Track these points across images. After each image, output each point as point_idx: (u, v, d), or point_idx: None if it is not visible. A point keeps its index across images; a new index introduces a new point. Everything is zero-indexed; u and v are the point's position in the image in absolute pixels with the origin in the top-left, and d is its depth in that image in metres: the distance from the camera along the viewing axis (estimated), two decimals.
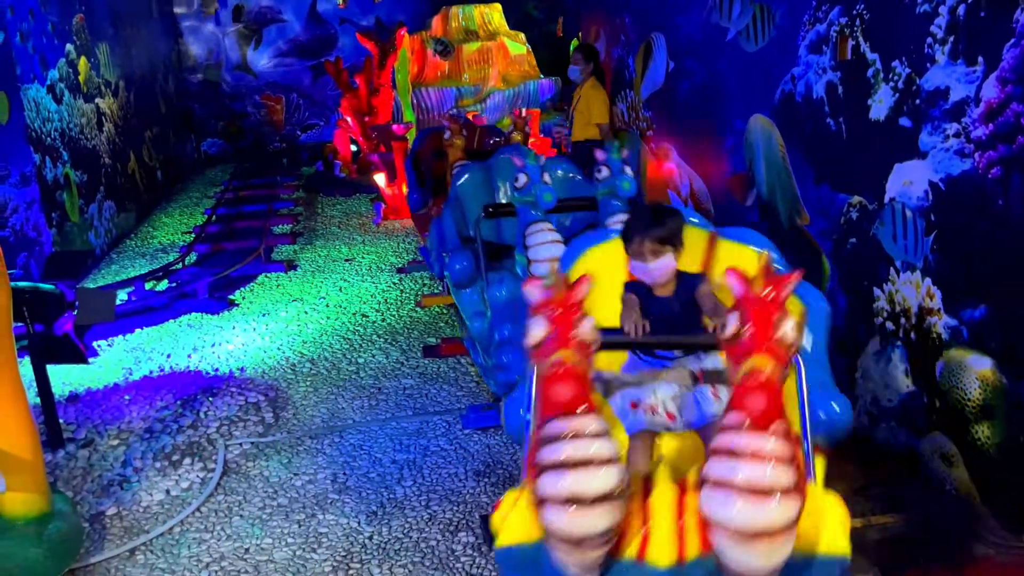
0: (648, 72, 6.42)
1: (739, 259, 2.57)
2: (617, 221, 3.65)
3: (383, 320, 5.63)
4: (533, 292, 1.97)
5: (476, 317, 4.21)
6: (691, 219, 2.71)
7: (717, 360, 2.38)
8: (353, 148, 10.47)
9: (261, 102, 13.06)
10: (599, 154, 4.16)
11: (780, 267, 2.59)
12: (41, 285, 4.20)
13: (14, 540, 2.96)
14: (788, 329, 1.83)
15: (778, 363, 1.82)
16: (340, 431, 4.16)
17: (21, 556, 2.92)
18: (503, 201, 4.47)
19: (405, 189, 8.20)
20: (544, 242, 3.85)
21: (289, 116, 13.24)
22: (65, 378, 4.79)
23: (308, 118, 13.25)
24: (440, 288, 5.76)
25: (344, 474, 3.76)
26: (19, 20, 6.55)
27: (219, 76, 12.78)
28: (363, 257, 7.14)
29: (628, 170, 4.13)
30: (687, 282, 2.46)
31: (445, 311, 5.58)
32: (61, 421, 4.22)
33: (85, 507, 3.56)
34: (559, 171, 4.50)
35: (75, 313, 4.17)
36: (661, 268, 2.40)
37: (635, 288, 2.46)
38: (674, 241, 2.41)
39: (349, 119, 10.20)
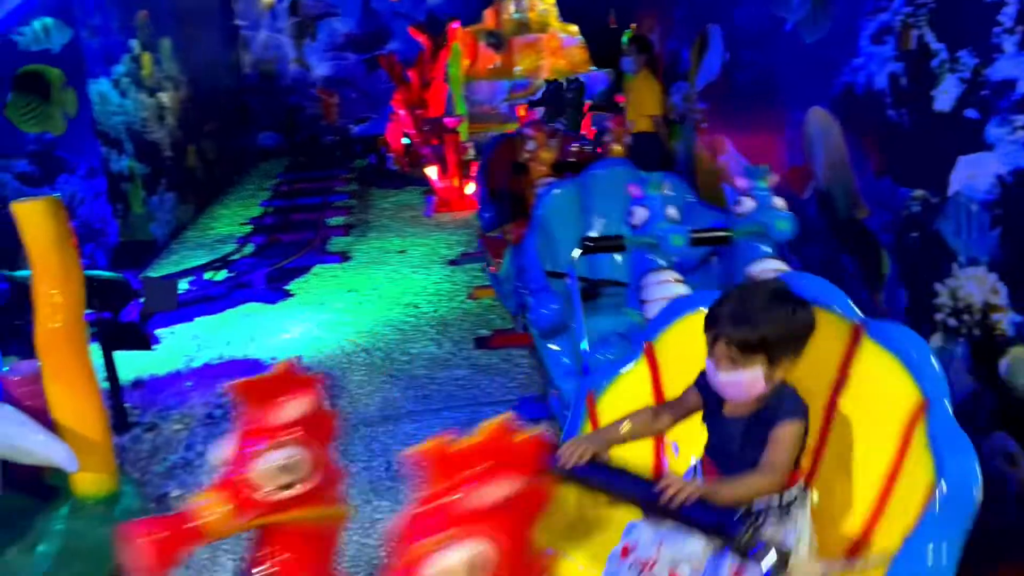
0: (703, 63, 6.37)
1: (876, 377, 1.83)
2: (766, 270, 2.96)
3: (435, 311, 5.69)
4: None
5: (567, 377, 3.29)
6: (833, 307, 1.95)
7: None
8: (405, 141, 10.57)
9: (316, 96, 13.25)
10: (740, 182, 3.31)
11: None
12: (109, 274, 4.36)
13: (85, 519, 3.09)
14: None
15: None
16: (394, 420, 4.23)
17: (91, 534, 3.03)
18: (597, 232, 3.72)
19: (456, 183, 8.29)
20: (667, 296, 2.89)
21: (343, 110, 13.41)
22: (130, 364, 4.94)
23: (361, 112, 13.41)
24: (489, 280, 5.76)
25: (398, 462, 3.82)
26: (87, 16, 6.75)
27: (275, 70, 13.00)
28: (415, 249, 7.21)
29: (780, 202, 3.25)
30: (775, 408, 1.67)
31: (496, 304, 5.61)
32: (127, 405, 4.36)
33: (150, 488, 3.67)
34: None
35: (141, 301, 4.31)
36: (734, 384, 1.66)
37: (705, 388, 1.76)
38: (772, 351, 1.62)
39: (402, 112, 10.29)
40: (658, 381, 2.14)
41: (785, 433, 1.61)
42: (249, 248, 7.48)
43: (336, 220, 8.35)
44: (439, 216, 8.22)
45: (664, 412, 1.89)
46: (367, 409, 4.37)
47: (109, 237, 6.63)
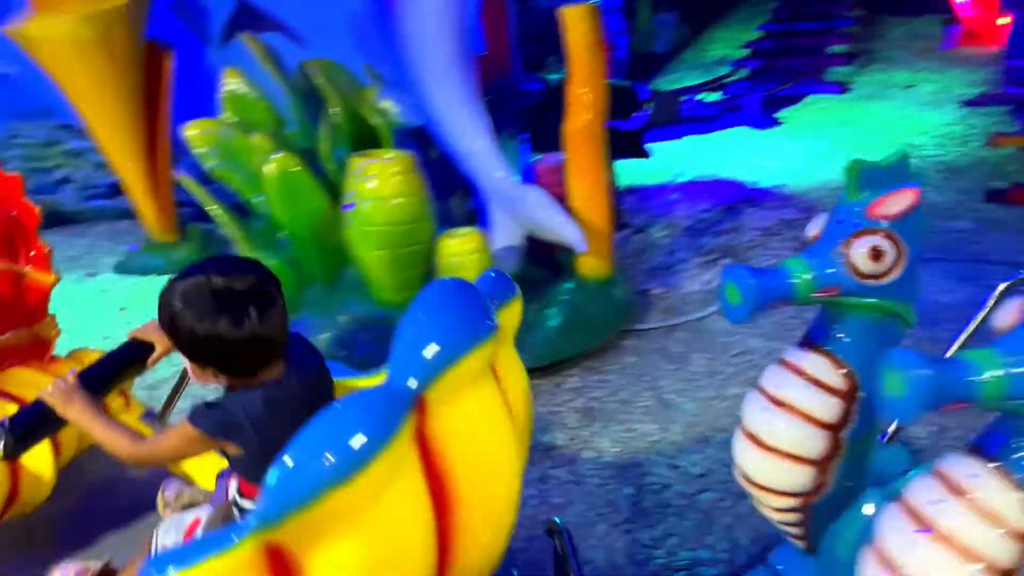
0: None
1: None
2: None
3: (942, 155, 5.17)
4: None
5: None
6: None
7: None
8: None
9: None
10: None
11: None
12: (620, 82, 4.70)
13: (584, 295, 3.57)
14: None
15: None
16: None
17: (589, 308, 3.52)
18: None
19: (987, 11, 7.12)
20: None
21: None
22: (627, 172, 5.38)
23: None
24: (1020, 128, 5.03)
25: None
26: None
27: None
28: (925, 84, 6.52)
29: None
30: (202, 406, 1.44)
31: (1021, 154, 4.90)
32: (620, 208, 4.81)
33: (636, 283, 4.08)
34: None
35: (646, 112, 4.61)
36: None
37: None
38: (181, 347, 1.37)
39: None
40: None
41: (177, 429, 1.40)
42: (743, 72, 7.43)
43: (837, 48, 7.82)
44: (960, 50, 7.24)
45: None
46: None
47: (618, 51, 7.07)
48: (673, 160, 5.69)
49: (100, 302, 4.46)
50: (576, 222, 3.40)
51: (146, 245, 4.77)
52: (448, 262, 3.27)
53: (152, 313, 1.41)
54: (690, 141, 6.01)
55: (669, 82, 7.49)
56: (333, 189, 3.39)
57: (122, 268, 4.77)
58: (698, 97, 6.87)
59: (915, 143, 5.41)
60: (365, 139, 3.82)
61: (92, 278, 4.74)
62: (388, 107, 3.75)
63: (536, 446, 2.96)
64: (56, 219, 5.54)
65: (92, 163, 5.42)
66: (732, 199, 4.91)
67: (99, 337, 3.98)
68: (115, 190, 5.30)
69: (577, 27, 3.28)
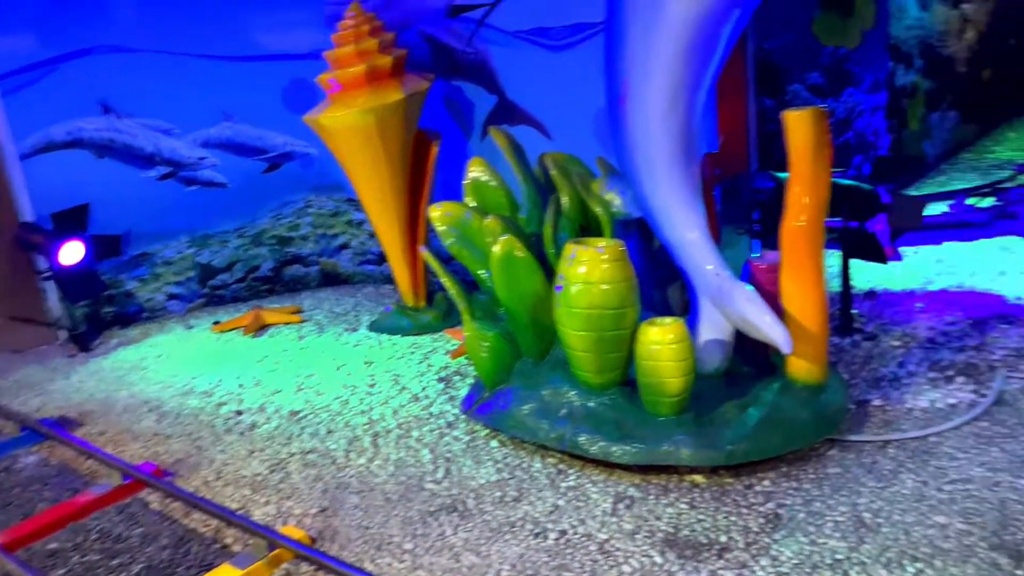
0: None
1: None
2: None
3: None
4: None
5: None
6: None
7: None
8: None
9: None
10: None
11: None
12: (863, 185, 4.55)
13: (791, 398, 3.48)
14: None
15: None
16: None
17: (792, 412, 3.42)
18: None
19: None
20: None
21: None
22: (868, 275, 5.14)
23: None
24: None
25: None
26: None
27: None
28: None
29: None
30: None
31: None
32: (855, 312, 4.61)
33: (855, 391, 3.89)
34: None
35: (888, 216, 4.42)
36: None
37: None
38: None
39: None
40: None
41: None
42: None
43: None
44: None
45: None
46: None
47: (880, 151, 6.80)
48: (926, 266, 5.34)
49: (351, 353, 5.05)
50: (784, 323, 3.36)
51: (397, 308, 5.34)
52: (647, 349, 3.38)
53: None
54: (951, 247, 5.60)
55: (937, 184, 7.04)
56: (552, 272, 3.64)
57: (374, 326, 5.37)
58: (969, 201, 6.38)
59: None
60: (589, 227, 4.07)
61: (350, 333, 5.38)
62: (611, 198, 3.97)
63: (710, 544, 2.94)
64: (334, 279, 6.37)
65: (367, 232, 6.18)
66: (985, 313, 4.51)
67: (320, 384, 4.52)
68: (381, 257, 5.99)
69: (798, 130, 3.30)
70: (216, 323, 5.72)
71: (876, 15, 6.61)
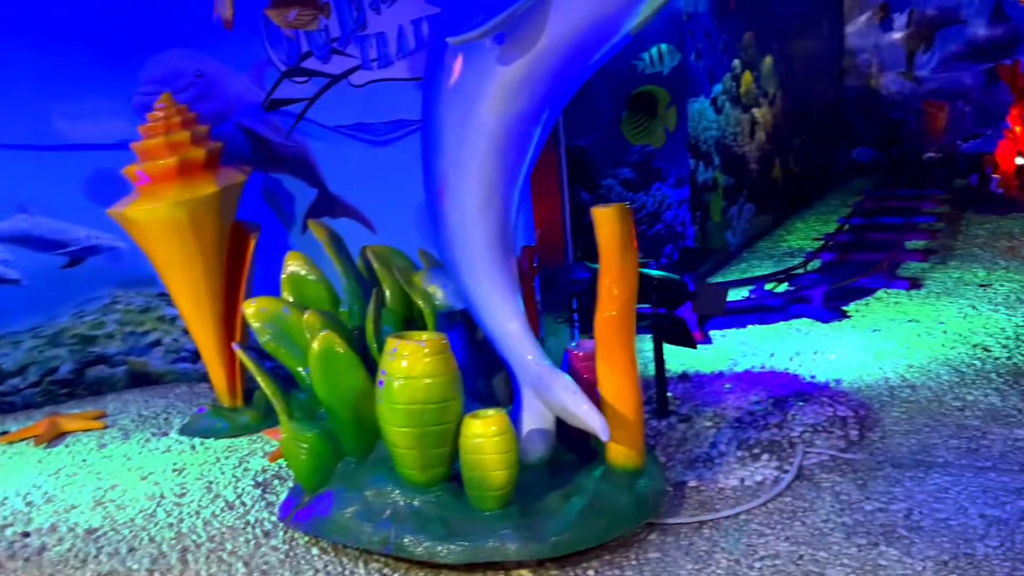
0: None
1: None
2: None
3: (1008, 358, 4.99)
4: None
5: None
6: None
7: None
8: (1019, 162, 9.30)
9: (922, 109, 12.41)
10: None
11: None
12: (669, 275, 4.84)
13: (610, 485, 3.55)
14: None
15: None
16: (927, 467, 3.89)
17: (613, 500, 3.49)
18: None
19: None
20: None
21: (951, 125, 12.31)
22: (681, 358, 5.41)
23: (972, 127, 12.14)
24: None
25: (920, 513, 3.52)
26: (696, 41, 7.46)
27: (879, 83, 12.53)
28: (1002, 284, 6.38)
29: None
30: None
31: None
32: (670, 395, 4.82)
33: (672, 473, 4.03)
34: None
35: (693, 303, 4.70)
36: None
37: None
38: None
39: (1017, 129, 9.08)
40: None
41: None
42: (815, 264, 7.47)
43: (915, 244, 7.80)
44: None
45: None
46: (898, 449, 4.09)
47: (687, 241, 7.28)
48: (732, 349, 5.69)
49: (159, 460, 4.69)
50: (601, 410, 3.45)
51: (212, 409, 5.05)
52: (470, 443, 3.36)
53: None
54: (753, 331, 6.02)
55: (739, 271, 7.59)
56: (375, 367, 3.57)
57: (186, 429, 5.03)
58: (767, 287, 6.91)
59: (983, 344, 5.26)
60: (413, 320, 4.05)
61: (159, 438, 5.01)
62: (434, 290, 3.99)
63: None
64: (144, 379, 5.95)
65: (180, 328, 5.85)
66: (785, 392, 4.84)
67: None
68: (197, 355, 5.67)
69: (605, 225, 3.47)
70: (3, 434, 5.17)
71: (678, 118, 7.16)
